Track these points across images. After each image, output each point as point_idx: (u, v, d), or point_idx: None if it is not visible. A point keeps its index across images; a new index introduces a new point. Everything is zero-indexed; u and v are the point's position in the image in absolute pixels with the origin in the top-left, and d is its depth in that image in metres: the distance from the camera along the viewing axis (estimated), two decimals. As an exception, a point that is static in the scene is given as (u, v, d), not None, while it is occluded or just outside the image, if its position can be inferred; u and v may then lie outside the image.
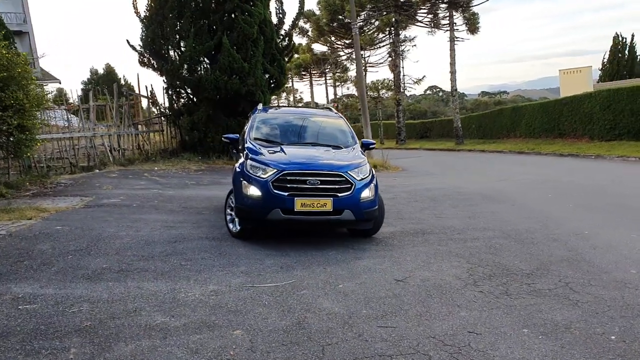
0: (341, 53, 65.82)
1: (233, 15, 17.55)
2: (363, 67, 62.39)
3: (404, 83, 52.18)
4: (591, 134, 27.87)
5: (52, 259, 6.43)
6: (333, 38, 61.81)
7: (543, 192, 12.60)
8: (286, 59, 19.50)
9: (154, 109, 19.68)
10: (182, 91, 18.81)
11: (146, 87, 19.62)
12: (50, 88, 33.01)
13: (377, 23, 55.05)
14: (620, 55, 67.46)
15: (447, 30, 42.42)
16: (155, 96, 19.48)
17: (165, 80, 18.50)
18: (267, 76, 18.35)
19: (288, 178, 7.10)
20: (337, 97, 75.64)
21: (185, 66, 17.38)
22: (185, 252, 6.88)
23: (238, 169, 7.68)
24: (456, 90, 41.40)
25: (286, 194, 7.06)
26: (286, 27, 19.94)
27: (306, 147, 8.02)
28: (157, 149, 18.93)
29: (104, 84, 33.67)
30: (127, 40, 18.37)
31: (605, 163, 20.60)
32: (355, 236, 8.03)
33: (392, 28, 50.66)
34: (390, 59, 52.81)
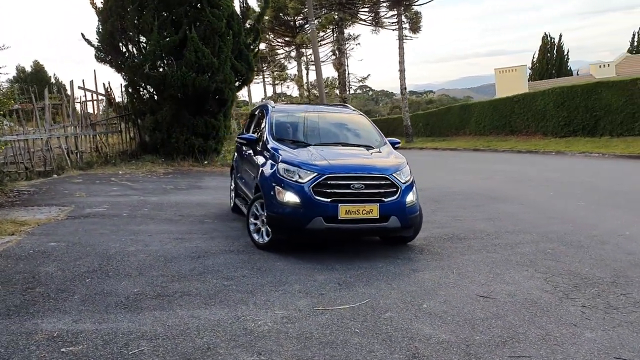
0: (280, 51, 64.91)
1: (199, 7, 16.46)
2: (305, 66, 62.02)
3: (349, 82, 51.96)
4: (544, 130, 28.39)
5: (68, 283, 5.43)
6: (272, 36, 60.81)
7: (539, 189, 12.38)
8: (252, 54, 18.57)
9: (111, 109, 18.27)
10: (144, 89, 17.55)
11: (103, 85, 18.09)
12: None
13: (317, 21, 54.57)
14: (549, 54, 70.04)
15: (394, 29, 42.43)
16: (113, 94, 18.12)
17: (125, 78, 17.18)
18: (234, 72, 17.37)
19: (330, 182, 6.36)
20: (274, 95, 74.38)
21: (148, 62, 16.16)
22: (219, 269, 6.02)
23: (267, 173, 6.85)
24: (405, 88, 41.50)
25: (329, 200, 6.32)
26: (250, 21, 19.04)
27: (337, 148, 7.28)
28: (116, 151, 17.59)
29: (33, 83, 31.52)
30: (82, 34, 16.95)
31: (571, 159, 20.87)
32: (388, 244, 7.38)
33: (336, 26, 50.23)
34: (334, 57, 52.41)
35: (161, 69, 16.32)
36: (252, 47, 18.57)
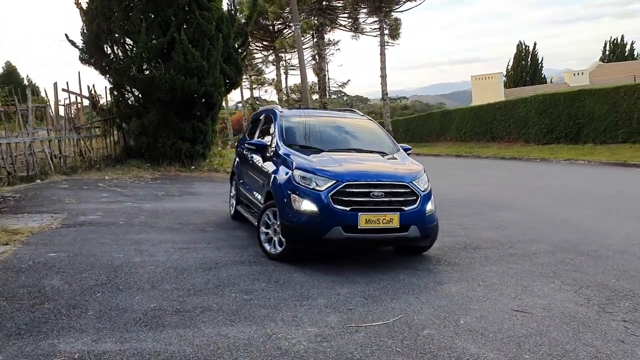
0: (258, 55, 64.46)
1: (188, 9, 16.08)
2: (283, 70, 61.72)
3: (329, 87, 51.81)
4: (526, 137, 28.58)
5: (78, 298, 5.09)
6: (250, 40, 60.31)
7: (536, 197, 12.31)
8: (241, 58, 18.25)
9: (95, 112, 17.75)
10: (131, 92, 17.08)
11: (88, 87, 17.58)
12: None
13: (294, 25, 54.37)
14: (523, 62, 70.99)
15: (375, 35, 42.45)
16: (98, 97, 17.60)
17: (111, 80, 16.69)
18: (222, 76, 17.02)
19: (349, 190, 6.12)
20: (252, 99, 73.62)
21: (135, 65, 15.73)
22: (235, 282, 5.74)
23: (281, 180, 6.57)
24: (387, 94, 41.48)
25: (348, 208, 6.08)
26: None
27: (352, 154, 7.04)
28: (101, 156, 17.08)
29: (4, 84, 30.79)
30: (66, 35, 16.45)
31: (557, 166, 20.97)
32: (402, 254, 7.16)
33: (316, 31, 50.07)
34: (314, 62, 52.22)
35: (148, 72, 15.85)
36: (240, 50, 18.24)
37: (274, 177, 6.78)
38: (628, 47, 68.69)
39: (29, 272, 5.87)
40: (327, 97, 51.29)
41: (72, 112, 16.68)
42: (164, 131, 16.71)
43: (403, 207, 6.24)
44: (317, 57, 50.39)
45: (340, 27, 50.21)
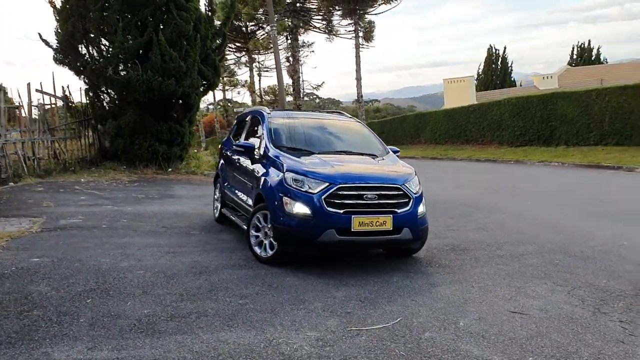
0: (230, 57, 63.97)
1: (165, 9, 15.84)
2: (257, 72, 61.40)
3: (303, 89, 51.81)
4: (500, 140, 28.94)
5: (68, 305, 4.93)
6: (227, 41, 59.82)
7: (516, 198, 12.44)
8: (219, 59, 18.06)
9: (69, 114, 17.36)
10: (106, 93, 16.74)
11: (62, 88, 17.19)
12: None
13: (267, 28, 54.17)
14: (493, 65, 71.97)
15: (350, 37, 42.56)
16: (72, 98, 17.21)
17: (87, 81, 16.33)
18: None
19: (342, 193, 6.07)
20: (224, 101, 72.87)
21: (112, 65, 15.43)
22: (228, 286, 5.64)
23: (272, 183, 6.49)
24: (362, 96, 41.60)
25: (341, 211, 6.03)
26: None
27: (343, 156, 6.99)
28: (75, 158, 16.70)
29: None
30: (40, 34, 16.04)
31: (532, 168, 21.24)
32: (392, 256, 7.14)
33: (290, 33, 49.96)
34: (288, 64, 52.10)
35: (125, 73, 15.57)
36: (217, 51, 18.06)
37: (264, 179, 6.69)
38: (595, 51, 70.25)
39: (13, 278, 5.68)
40: (301, 99, 51.28)
41: (44, 113, 16.26)
42: (141, 133, 16.43)
43: (396, 210, 6.22)
44: (291, 59, 50.31)
45: (315, 29, 50.25)
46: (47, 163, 15.52)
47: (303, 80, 51.32)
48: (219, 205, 9.07)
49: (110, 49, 15.86)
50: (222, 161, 9.22)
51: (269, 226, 6.50)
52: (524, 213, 10.44)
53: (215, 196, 9.42)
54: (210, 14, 18.26)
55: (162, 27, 15.86)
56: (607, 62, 71.31)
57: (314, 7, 49.03)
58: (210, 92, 65.97)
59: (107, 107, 16.64)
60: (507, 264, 6.72)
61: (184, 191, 13.29)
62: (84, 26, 15.83)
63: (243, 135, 8.28)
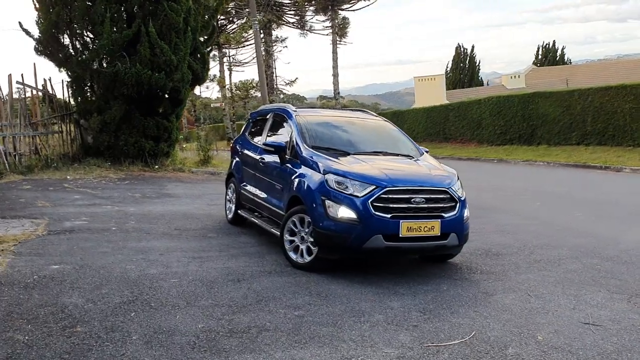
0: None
1: (153, 0, 15.22)
2: (227, 66, 60.38)
3: (276, 84, 51.19)
4: (480, 138, 29.08)
5: (111, 319, 4.52)
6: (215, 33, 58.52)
7: (519, 199, 12.38)
8: (207, 52, 17.52)
9: (51, 107, 16.56)
10: (91, 87, 16.01)
11: (44, 81, 16.40)
12: None
13: (238, 22, 53.47)
14: (462, 64, 72.69)
15: (327, 34, 42.23)
16: (54, 91, 16.41)
17: (70, 74, 15.60)
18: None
19: (391, 196, 5.77)
20: (192, 95, 71.34)
21: (99, 57, 14.75)
22: (276, 296, 5.29)
23: (310, 185, 6.14)
24: (339, 93, 41.32)
25: (389, 215, 5.73)
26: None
27: (380, 157, 6.68)
28: (57, 154, 15.95)
29: None
30: (20, 23, 15.22)
31: (518, 167, 21.35)
32: (426, 261, 6.88)
33: (264, 28, 49.27)
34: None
35: (112, 66, 14.87)
36: (206, 44, 17.51)
37: (301, 181, 6.33)
38: (559, 52, 71.65)
39: (39, 288, 5.22)
40: (275, 94, 50.63)
41: (26, 107, 15.49)
42: (127, 128, 15.78)
43: (443, 214, 5.96)
44: (264, 53, 49.53)
45: (288, 25, 49.78)
46: (28, 159, 14.78)
47: (276, 76, 50.82)
48: (233, 207, 8.65)
49: (96, 41, 15.18)
50: (235, 160, 8.79)
51: (307, 230, 6.17)
52: (538, 215, 10.33)
53: (228, 197, 8.99)
54: (199, 5, 17.66)
55: (149, 19, 15.21)
56: (570, 63, 72.86)
57: (287, 1, 48.50)
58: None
59: (91, 101, 15.91)
60: (548, 270, 6.53)
61: (180, 190, 12.78)
62: (69, 15, 15.10)
63: (265, 134, 7.88)
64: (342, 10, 46.19)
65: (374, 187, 5.76)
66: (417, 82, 60.50)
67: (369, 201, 5.72)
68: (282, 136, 7.31)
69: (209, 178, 16.15)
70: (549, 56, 71.75)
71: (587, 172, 18.20)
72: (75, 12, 14.93)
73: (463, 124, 30.38)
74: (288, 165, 6.79)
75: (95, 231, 7.80)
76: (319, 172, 6.13)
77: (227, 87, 56.77)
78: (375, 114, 8.36)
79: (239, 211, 8.39)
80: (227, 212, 8.95)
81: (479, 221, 9.58)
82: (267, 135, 7.78)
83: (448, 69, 72.34)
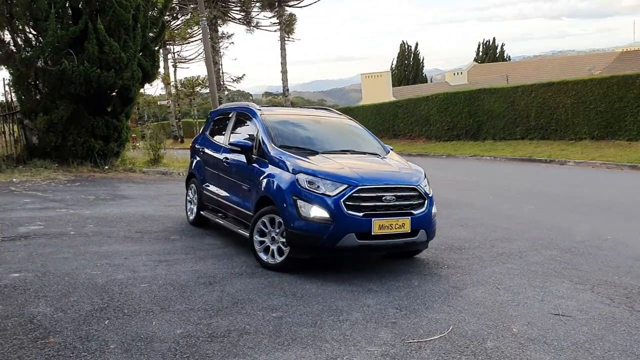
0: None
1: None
2: (172, 63, 59.23)
3: (223, 81, 50.58)
4: (428, 134, 29.61)
5: (85, 328, 4.38)
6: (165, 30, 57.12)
7: (474, 193, 12.67)
8: (158, 48, 17.14)
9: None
10: (36, 86, 15.39)
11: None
12: None
13: (182, 18, 52.63)
14: (406, 61, 73.74)
15: (275, 30, 42.06)
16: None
17: (13, 72, 14.96)
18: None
19: (362, 195, 5.81)
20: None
21: (44, 55, 14.21)
22: (251, 298, 5.25)
23: (281, 185, 6.10)
24: (288, 90, 41.21)
25: (361, 214, 5.77)
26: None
27: (349, 156, 6.70)
28: (0, 156, 15.29)
29: None
30: (-44, 19, 14.48)
31: (467, 162, 21.87)
32: (392, 257, 6.96)
33: (210, 24, 48.56)
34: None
35: (59, 64, 14.35)
36: (156, 41, 17.12)
37: (270, 180, 6.29)
38: (499, 48, 73.64)
39: (2, 299, 5.00)
40: (222, 91, 49.95)
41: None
42: (75, 128, 15.27)
43: (412, 211, 6.04)
44: (210, 50, 48.71)
45: (234, 21, 49.31)
46: (-31, 161, 14.12)
47: (223, 72, 50.21)
48: (195, 208, 8.51)
49: (40, 37, 14.61)
50: (196, 159, 8.65)
51: (277, 231, 6.14)
52: (492, 208, 10.63)
53: (189, 197, 8.83)
54: (146, 2, 17.24)
55: (98, 15, 14.76)
56: (510, 59, 75.08)
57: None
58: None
59: (37, 101, 15.30)
60: (512, 263, 6.72)
61: (133, 191, 12.47)
62: (10, 11, 14.48)
63: (228, 133, 7.77)
64: (289, 6, 46.17)
65: (345, 186, 5.78)
66: (363, 79, 60.95)
67: (342, 200, 5.73)
68: (247, 135, 7.22)
69: (161, 178, 15.84)
70: (489, 53, 73.57)
71: (533, 166, 18.82)
72: (17, 7, 14.33)
73: (412, 121, 30.87)
74: (255, 165, 6.73)
75: (53, 236, 7.52)
76: (289, 172, 6.11)
77: (172, 84, 55.75)
78: (338, 112, 8.38)
79: (201, 212, 8.26)
80: (189, 213, 8.79)
81: (439, 216, 9.74)
82: (231, 135, 7.68)
83: (393, 65, 73.18)
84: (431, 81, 73.97)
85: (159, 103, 45.34)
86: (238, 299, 5.20)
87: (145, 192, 12.33)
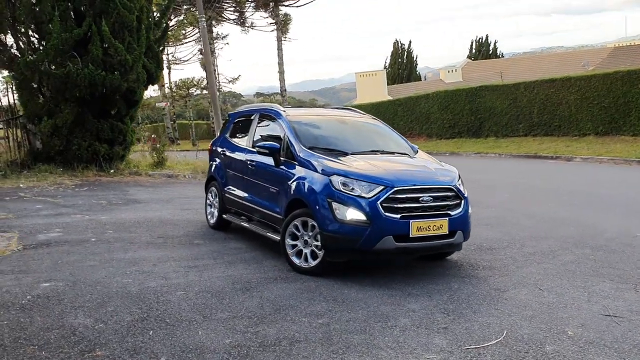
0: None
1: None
2: (167, 65, 58.91)
3: (218, 82, 50.35)
4: (429, 132, 29.54)
5: (131, 340, 4.24)
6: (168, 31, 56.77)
7: (489, 191, 12.57)
8: (161, 50, 16.96)
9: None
10: (40, 89, 15.17)
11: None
12: None
13: (175, 19, 52.31)
14: (400, 60, 73.67)
15: (271, 30, 41.87)
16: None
17: (16, 75, 14.74)
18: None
19: (400, 196, 5.68)
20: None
21: (49, 58, 14.00)
22: (292, 304, 5.12)
23: (313, 187, 5.96)
24: (285, 90, 41.05)
25: (398, 216, 5.65)
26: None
27: (380, 156, 6.57)
28: (5, 161, 15.08)
29: None
30: (-42, 23, 14.25)
31: (471, 159, 21.77)
32: (425, 259, 6.83)
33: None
34: (201, 56, 50.31)
35: (63, 67, 14.14)
36: (159, 43, 16.94)
37: (301, 183, 6.15)
38: (492, 45, 73.69)
39: (39, 310, 4.85)
40: (217, 92, 49.46)
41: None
42: (80, 132, 15.08)
43: (450, 212, 5.93)
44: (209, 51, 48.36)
45: (229, 21, 49.11)
46: (-26, 167, 13.91)
47: (218, 74, 49.99)
48: (216, 211, 8.36)
49: (43, 41, 14.40)
50: (216, 162, 8.49)
51: (310, 234, 6.01)
52: (512, 206, 10.53)
53: (209, 201, 8.69)
54: (148, 3, 17.06)
55: (102, 17, 14.57)
56: (503, 56, 75.18)
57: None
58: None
59: (41, 104, 15.08)
60: (547, 263, 6.62)
61: (144, 195, 12.31)
62: (13, 14, 14.27)
63: (252, 135, 7.62)
64: (284, 6, 45.99)
65: (382, 187, 5.66)
66: (358, 78, 60.85)
67: (379, 202, 5.61)
68: (273, 137, 7.07)
69: (168, 181, 15.67)
70: (482, 50, 73.57)
71: (540, 162, 18.76)
72: (20, 10, 14.12)
73: (412, 119, 30.79)
74: (283, 167, 6.59)
75: (75, 243, 7.36)
76: (321, 174, 5.97)
77: (166, 85, 55.45)
78: (361, 111, 8.25)
79: (223, 215, 8.12)
80: (209, 217, 8.64)
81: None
82: (256, 137, 7.53)
83: (387, 64, 73.09)
84: (425, 79, 73.90)
85: (156, 105, 44.88)
86: (279, 305, 5.07)
87: (156, 196, 12.16)
